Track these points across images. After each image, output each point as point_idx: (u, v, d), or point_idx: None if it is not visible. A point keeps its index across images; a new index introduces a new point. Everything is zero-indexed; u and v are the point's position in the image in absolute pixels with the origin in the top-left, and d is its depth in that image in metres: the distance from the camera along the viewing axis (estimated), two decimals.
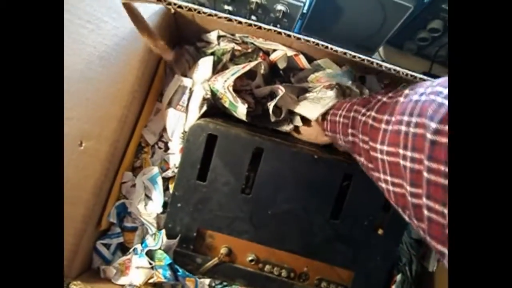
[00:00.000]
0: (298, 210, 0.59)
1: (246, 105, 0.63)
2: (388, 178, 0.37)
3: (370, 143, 0.40)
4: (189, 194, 0.59)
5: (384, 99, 0.41)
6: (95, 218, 0.63)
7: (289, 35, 0.58)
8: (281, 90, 0.64)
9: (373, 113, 0.41)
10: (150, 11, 0.61)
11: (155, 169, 0.66)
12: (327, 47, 0.57)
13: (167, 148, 0.70)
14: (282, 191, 0.58)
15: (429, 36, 0.71)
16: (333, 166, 0.58)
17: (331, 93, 0.63)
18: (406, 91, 0.38)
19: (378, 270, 0.60)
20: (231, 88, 0.61)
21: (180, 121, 0.67)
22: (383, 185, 0.38)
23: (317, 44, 0.58)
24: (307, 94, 0.66)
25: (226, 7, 0.75)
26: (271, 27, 0.59)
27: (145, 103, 0.69)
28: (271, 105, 0.64)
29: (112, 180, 0.66)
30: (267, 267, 0.60)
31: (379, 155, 0.38)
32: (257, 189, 0.58)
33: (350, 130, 0.49)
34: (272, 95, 0.66)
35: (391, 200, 0.37)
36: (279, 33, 0.59)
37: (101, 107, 0.56)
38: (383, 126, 0.38)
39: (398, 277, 0.64)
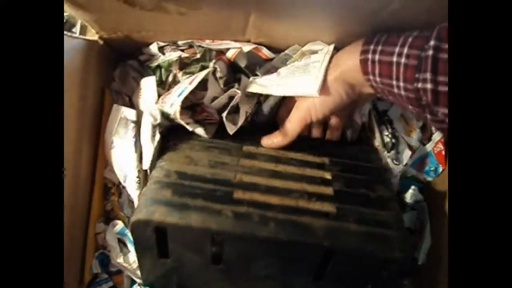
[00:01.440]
0: (277, 275, 0.46)
1: (202, 129, 0.51)
2: None
3: None
4: (155, 269, 0.48)
5: None
6: (76, 278, 0.55)
7: None
8: (237, 92, 0.50)
9: None
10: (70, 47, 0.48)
11: (120, 224, 0.56)
12: None
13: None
14: (254, 263, 0.45)
15: None
16: (308, 248, 0.41)
17: (318, 56, 0.47)
18: None
19: None
20: (178, 115, 0.48)
21: (132, 163, 0.52)
22: None
23: None
24: (285, 69, 0.51)
25: None
26: None
27: (98, 144, 0.56)
28: (224, 115, 0.50)
29: (84, 235, 0.56)
30: None
31: None
32: (227, 262, 0.45)
33: (422, 75, 0.35)
34: (232, 99, 0.52)
35: None
36: None
37: None
38: None
39: None
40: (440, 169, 0.59)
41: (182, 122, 0.50)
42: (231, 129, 0.51)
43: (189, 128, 0.51)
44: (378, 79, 0.40)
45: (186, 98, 0.50)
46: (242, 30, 0.50)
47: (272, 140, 0.51)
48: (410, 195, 0.59)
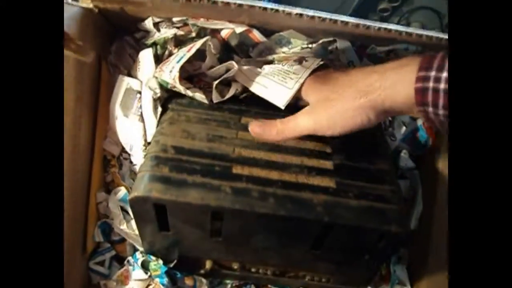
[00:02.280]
0: (275, 246, 0.44)
1: (201, 94, 0.48)
2: None
3: None
4: (156, 242, 0.46)
5: None
6: (79, 246, 0.55)
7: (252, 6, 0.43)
8: (233, 65, 0.47)
9: None
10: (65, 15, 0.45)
11: (122, 190, 0.55)
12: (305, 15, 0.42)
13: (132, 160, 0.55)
14: (253, 237, 0.43)
15: (389, 7, 0.63)
16: (307, 223, 0.39)
17: (299, 68, 0.45)
18: None
19: (360, 275, 0.50)
20: (177, 80, 0.45)
21: (138, 132, 0.52)
22: None
23: (300, 14, 0.42)
24: (269, 67, 0.49)
25: None
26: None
27: (97, 114, 0.55)
28: (215, 83, 0.47)
29: (85, 205, 0.55)
30: (253, 269, 0.52)
31: None
32: (226, 235, 0.43)
33: None
34: (228, 71, 0.49)
35: None
36: (240, 5, 0.43)
37: None
38: None
39: None
40: (430, 142, 0.58)
41: (181, 88, 0.47)
42: (216, 98, 0.48)
43: (189, 93, 0.47)
44: (441, 111, 0.32)
45: (184, 69, 0.47)
46: (237, 11, 0.47)
47: (263, 130, 0.43)
48: (402, 158, 0.59)
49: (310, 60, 0.46)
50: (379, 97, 0.36)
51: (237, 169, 0.41)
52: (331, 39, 0.51)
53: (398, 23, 0.64)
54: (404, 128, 0.57)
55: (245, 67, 0.49)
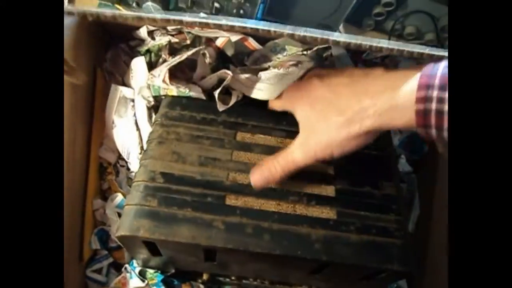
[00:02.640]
0: (272, 271, 0.43)
1: (196, 87, 0.46)
2: None
3: None
4: (150, 261, 0.45)
5: None
6: (75, 254, 0.54)
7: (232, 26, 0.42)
8: (228, 73, 0.45)
9: None
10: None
11: (119, 196, 0.54)
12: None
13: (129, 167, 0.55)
14: (248, 264, 0.41)
15: (383, 11, 0.62)
16: (302, 262, 0.37)
17: (294, 69, 0.43)
18: None
19: None
20: (167, 80, 0.44)
21: (133, 140, 0.52)
22: None
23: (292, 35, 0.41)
24: (265, 73, 0.46)
25: None
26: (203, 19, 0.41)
27: (92, 122, 0.54)
28: (216, 93, 0.44)
29: (81, 212, 0.54)
30: (250, 279, 0.50)
31: None
32: (221, 261, 0.40)
33: None
34: (222, 82, 0.47)
35: None
36: (232, 27, 0.42)
37: None
38: None
39: None
40: (426, 148, 0.58)
41: (173, 87, 0.45)
42: (221, 107, 0.45)
43: (183, 89, 0.45)
44: (445, 133, 0.28)
45: (175, 76, 0.45)
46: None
47: (266, 179, 0.38)
48: (399, 163, 0.58)
49: (305, 63, 0.44)
50: (374, 123, 0.32)
51: (230, 200, 0.38)
52: (326, 46, 0.49)
53: (393, 27, 0.62)
54: (400, 135, 0.57)
55: (241, 76, 0.47)
